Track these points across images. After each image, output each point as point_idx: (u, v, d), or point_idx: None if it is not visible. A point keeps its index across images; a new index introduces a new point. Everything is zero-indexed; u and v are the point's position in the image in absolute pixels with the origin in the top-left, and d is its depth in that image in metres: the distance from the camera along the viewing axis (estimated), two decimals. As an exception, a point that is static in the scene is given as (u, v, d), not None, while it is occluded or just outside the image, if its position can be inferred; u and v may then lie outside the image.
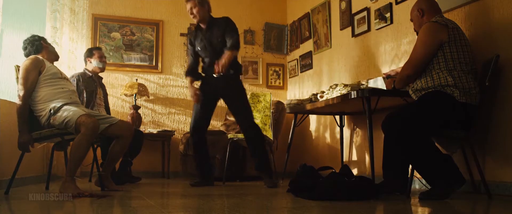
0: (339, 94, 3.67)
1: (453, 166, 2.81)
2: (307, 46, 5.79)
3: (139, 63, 5.79)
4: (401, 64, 3.96)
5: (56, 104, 3.23)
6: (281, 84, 6.37)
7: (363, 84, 3.76)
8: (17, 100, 3.20)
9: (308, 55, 5.74)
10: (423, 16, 3.11)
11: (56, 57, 3.55)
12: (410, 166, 2.99)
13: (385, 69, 4.19)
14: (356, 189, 2.79)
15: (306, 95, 5.73)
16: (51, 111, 3.20)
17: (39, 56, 3.33)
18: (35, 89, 3.25)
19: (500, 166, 3.02)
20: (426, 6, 3.12)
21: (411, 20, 3.25)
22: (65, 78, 3.47)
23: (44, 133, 3.22)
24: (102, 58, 4.42)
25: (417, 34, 3.17)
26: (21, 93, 3.19)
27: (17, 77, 3.30)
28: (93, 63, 4.41)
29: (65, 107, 3.23)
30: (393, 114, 2.92)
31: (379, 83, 3.61)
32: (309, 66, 5.71)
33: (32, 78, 3.21)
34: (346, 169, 3.10)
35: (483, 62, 3.03)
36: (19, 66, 3.35)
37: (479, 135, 3.11)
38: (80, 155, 3.08)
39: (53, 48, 3.56)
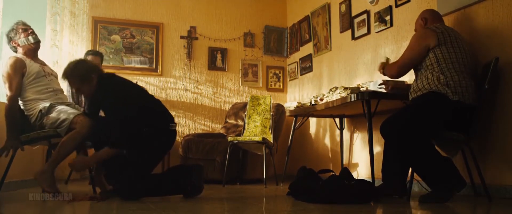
0: (339, 97, 3.67)
1: (453, 169, 2.81)
2: (307, 49, 5.79)
3: (139, 66, 5.79)
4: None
5: (44, 104, 3.26)
6: (281, 87, 6.37)
7: (363, 87, 3.76)
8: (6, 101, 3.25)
9: (308, 58, 5.74)
10: (426, 24, 3.23)
11: (34, 48, 3.43)
12: (410, 169, 2.99)
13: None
14: (356, 192, 2.79)
15: (306, 98, 5.73)
16: (42, 112, 3.22)
17: (20, 56, 3.33)
18: (21, 91, 3.28)
19: (500, 169, 3.01)
20: (429, 15, 3.25)
21: (416, 30, 3.33)
22: (48, 73, 3.45)
23: (32, 136, 3.24)
24: None
25: None
26: (8, 92, 3.23)
27: None
28: None
29: (59, 108, 3.25)
30: (390, 118, 2.94)
31: (379, 86, 3.61)
32: (309, 69, 5.71)
33: (16, 83, 3.23)
34: (346, 172, 3.10)
35: (482, 64, 3.04)
36: None
37: (479, 138, 3.11)
38: (69, 149, 3.10)
39: (26, 40, 3.37)
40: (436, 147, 2.91)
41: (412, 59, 3.09)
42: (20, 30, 3.37)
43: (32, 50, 3.42)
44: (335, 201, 2.72)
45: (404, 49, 3.92)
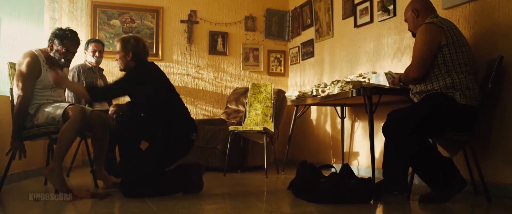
0: (340, 91, 3.64)
1: (454, 169, 2.81)
2: (309, 34, 5.72)
3: (139, 50, 5.73)
4: (404, 58, 3.93)
5: (33, 106, 3.24)
6: (282, 71, 6.33)
7: (364, 79, 3.73)
8: (16, 100, 3.18)
9: (310, 43, 5.68)
10: (418, 16, 3.08)
11: (58, 65, 3.34)
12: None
13: (387, 62, 4.16)
14: (356, 191, 2.80)
15: (307, 83, 5.71)
16: (31, 113, 3.20)
17: (39, 58, 3.23)
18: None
19: (501, 168, 3.01)
20: (421, 6, 3.09)
21: (406, 20, 3.21)
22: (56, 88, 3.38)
23: (33, 132, 3.23)
24: (95, 53, 4.36)
25: (412, 34, 3.14)
26: (20, 93, 3.17)
27: (10, 74, 3.27)
28: (88, 57, 4.39)
29: (50, 105, 3.23)
30: (394, 117, 2.90)
31: (381, 78, 3.58)
32: (311, 54, 5.65)
33: (30, 86, 3.19)
34: (347, 169, 3.10)
35: (486, 63, 2.99)
36: (13, 63, 3.32)
37: (481, 137, 3.09)
38: (68, 139, 3.09)
39: (61, 61, 3.31)
40: (437, 146, 2.90)
41: (430, 54, 2.86)
42: (68, 49, 3.29)
43: (56, 64, 3.32)
44: (335, 200, 2.73)
45: (406, 41, 3.90)
